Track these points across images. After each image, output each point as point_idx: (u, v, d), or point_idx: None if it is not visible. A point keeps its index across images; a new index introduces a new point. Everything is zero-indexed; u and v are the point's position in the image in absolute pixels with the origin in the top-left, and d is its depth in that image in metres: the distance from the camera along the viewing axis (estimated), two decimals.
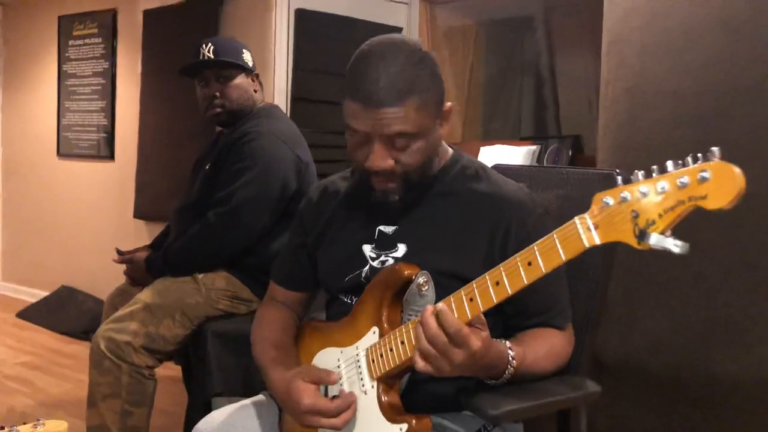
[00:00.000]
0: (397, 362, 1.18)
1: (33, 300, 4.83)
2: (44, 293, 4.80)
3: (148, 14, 4.05)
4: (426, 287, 1.20)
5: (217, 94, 2.28)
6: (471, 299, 1.09)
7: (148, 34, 4.06)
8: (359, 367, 1.25)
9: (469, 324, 1.10)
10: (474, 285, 1.09)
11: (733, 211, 0.84)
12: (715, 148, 0.84)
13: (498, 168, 1.50)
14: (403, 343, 1.18)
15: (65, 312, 4.47)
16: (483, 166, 1.39)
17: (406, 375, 1.23)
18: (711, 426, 1.95)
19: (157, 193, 3.98)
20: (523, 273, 1.03)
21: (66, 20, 4.75)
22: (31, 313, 4.60)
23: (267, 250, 2.22)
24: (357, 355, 1.27)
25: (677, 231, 0.88)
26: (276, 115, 2.39)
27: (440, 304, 1.11)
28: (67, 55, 4.76)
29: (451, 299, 1.12)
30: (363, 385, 1.24)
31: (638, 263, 2.05)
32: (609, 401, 2.12)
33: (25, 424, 1.31)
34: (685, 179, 0.85)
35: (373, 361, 1.23)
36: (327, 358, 1.34)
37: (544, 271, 1.01)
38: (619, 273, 2.02)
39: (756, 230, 1.85)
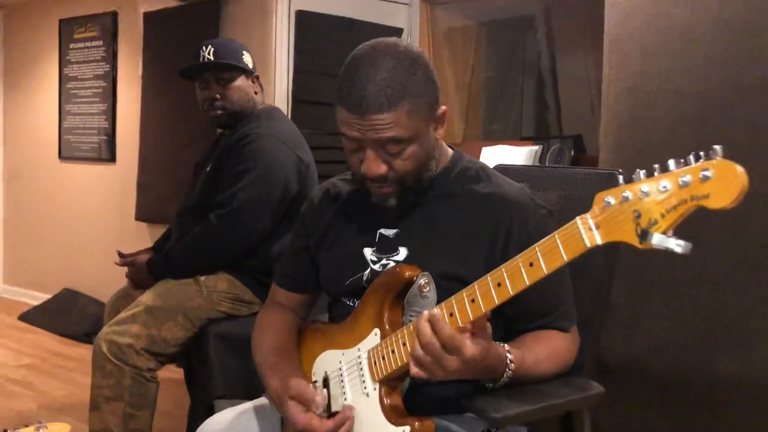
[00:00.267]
0: (399, 364, 1.17)
1: (35, 303, 4.83)
2: (46, 296, 4.81)
3: (148, 16, 4.05)
4: (427, 288, 1.20)
5: (218, 96, 2.27)
6: (473, 300, 1.09)
7: (149, 36, 4.06)
8: (361, 369, 1.25)
9: (469, 330, 1.09)
10: (476, 286, 1.09)
11: (735, 211, 0.84)
12: (717, 147, 0.83)
13: (500, 168, 1.50)
14: (404, 344, 1.17)
15: (67, 315, 4.47)
16: (484, 167, 1.39)
17: (409, 377, 1.23)
18: (714, 426, 1.95)
19: (159, 196, 3.98)
20: (524, 274, 1.02)
21: (67, 23, 4.75)
22: (33, 316, 4.60)
23: (268, 251, 2.22)
24: (359, 357, 1.26)
25: (679, 231, 0.88)
26: (276, 117, 2.39)
27: (435, 310, 1.10)
28: (68, 58, 4.77)
29: (453, 300, 1.12)
30: (365, 387, 1.24)
31: (641, 264, 2.05)
32: (612, 402, 2.12)
33: (27, 426, 1.31)
34: (688, 178, 0.84)
35: (375, 363, 1.22)
36: (329, 359, 1.34)
37: (545, 271, 1.01)
38: (622, 274, 2.02)
39: (758, 230, 1.85)
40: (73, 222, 4.80)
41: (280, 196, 2.20)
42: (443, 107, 1.29)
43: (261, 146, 2.20)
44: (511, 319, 1.29)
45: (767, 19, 1.83)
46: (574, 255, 0.98)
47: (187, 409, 2.32)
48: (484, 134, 4.29)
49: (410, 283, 1.21)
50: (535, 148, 3.26)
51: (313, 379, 1.35)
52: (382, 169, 1.24)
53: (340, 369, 1.30)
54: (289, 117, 2.96)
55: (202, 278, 2.21)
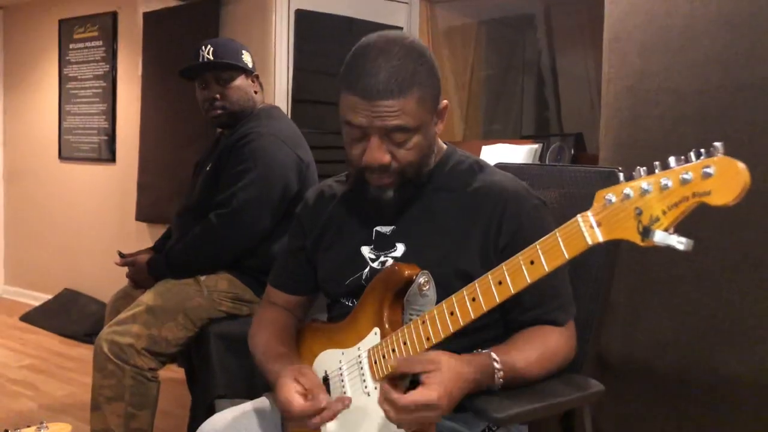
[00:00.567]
0: None
1: (36, 303, 4.84)
2: (47, 296, 4.81)
3: (148, 16, 4.05)
4: (427, 287, 1.20)
5: (218, 96, 2.27)
6: (473, 299, 1.09)
7: (149, 36, 4.06)
8: (361, 368, 1.25)
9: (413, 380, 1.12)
10: (476, 284, 1.09)
11: (736, 209, 0.83)
12: (718, 143, 0.83)
13: (500, 167, 1.50)
14: (405, 343, 1.17)
15: (68, 315, 4.47)
16: (477, 160, 1.39)
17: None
18: (715, 424, 1.95)
19: (159, 196, 3.98)
20: (525, 271, 1.03)
21: (66, 24, 4.75)
22: (34, 317, 4.60)
23: (269, 251, 2.22)
24: (359, 356, 1.26)
25: (680, 228, 0.88)
26: (276, 116, 2.39)
27: (385, 385, 1.12)
28: (67, 58, 4.77)
29: (453, 299, 1.12)
30: (365, 387, 1.24)
31: (642, 262, 2.05)
32: (613, 400, 2.12)
33: (28, 427, 1.31)
34: (689, 175, 0.84)
35: (376, 362, 1.22)
36: (328, 359, 1.33)
37: (547, 269, 1.01)
38: (623, 272, 2.02)
39: (759, 228, 1.85)
40: (73, 222, 4.80)
41: (280, 196, 2.20)
42: (444, 101, 1.30)
43: (261, 146, 2.20)
44: (505, 310, 1.28)
45: (767, 17, 1.83)
46: (575, 253, 0.98)
47: (188, 409, 2.32)
48: (484, 133, 4.29)
49: (410, 281, 1.21)
50: (535, 146, 3.26)
51: None
52: (386, 158, 1.23)
53: (340, 368, 1.30)
54: (289, 116, 2.95)
55: (203, 278, 2.21)
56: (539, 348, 1.24)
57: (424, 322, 1.16)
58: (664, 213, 0.86)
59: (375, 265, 1.33)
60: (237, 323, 2.22)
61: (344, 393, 1.27)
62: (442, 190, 1.34)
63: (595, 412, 1.44)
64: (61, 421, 1.37)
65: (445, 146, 1.40)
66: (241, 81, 2.30)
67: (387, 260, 1.32)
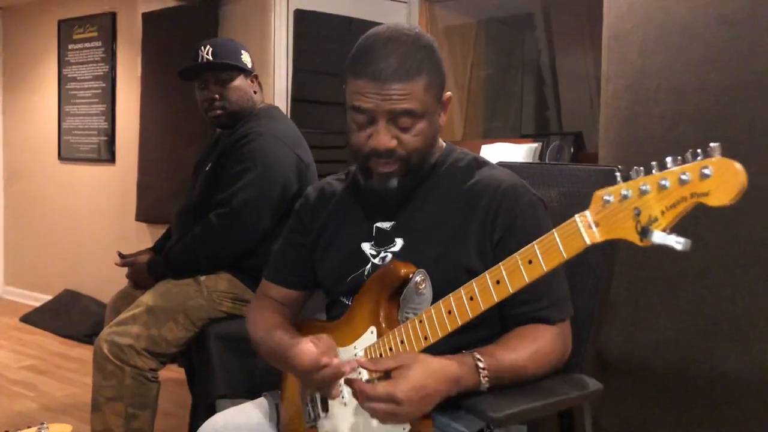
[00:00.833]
0: None
1: (36, 304, 4.84)
2: (47, 297, 4.81)
3: (147, 17, 4.05)
4: (423, 286, 1.20)
5: (217, 96, 2.27)
6: (471, 298, 1.09)
7: (148, 36, 4.06)
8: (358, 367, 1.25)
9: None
10: (474, 284, 1.09)
11: (734, 207, 0.84)
12: (714, 144, 0.83)
13: (500, 165, 1.50)
14: (402, 342, 1.18)
15: (68, 316, 4.47)
16: (476, 157, 1.40)
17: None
18: (715, 422, 1.95)
19: (159, 196, 3.98)
20: (524, 271, 1.03)
21: (66, 24, 4.75)
22: (34, 317, 4.60)
23: (269, 251, 2.18)
24: (355, 355, 1.26)
25: (679, 227, 0.88)
26: (276, 116, 2.39)
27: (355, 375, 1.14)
28: (67, 59, 4.77)
29: (451, 298, 1.12)
30: None
31: (641, 260, 2.05)
32: (613, 399, 2.12)
33: (29, 428, 1.31)
34: (687, 176, 0.84)
35: None
36: None
37: (545, 269, 1.01)
38: (622, 270, 2.02)
39: (758, 226, 1.85)
40: (73, 223, 4.80)
41: (280, 196, 2.20)
42: (448, 93, 1.32)
43: (260, 145, 2.20)
44: (498, 305, 1.28)
45: (766, 15, 1.83)
46: (573, 253, 0.98)
47: (189, 409, 2.32)
48: (484, 132, 4.29)
49: (406, 280, 1.21)
50: (535, 145, 3.26)
51: None
52: (392, 142, 1.25)
53: None
54: (288, 116, 2.96)
55: (203, 278, 2.21)
56: (529, 347, 1.23)
57: (421, 321, 1.16)
58: (663, 213, 0.87)
59: (376, 261, 1.33)
60: (237, 323, 2.22)
61: (340, 392, 1.27)
62: (441, 186, 1.34)
63: (594, 411, 1.44)
64: (61, 422, 1.37)
65: (444, 144, 1.41)
66: (240, 81, 2.30)
67: (387, 256, 1.32)
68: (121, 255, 2.40)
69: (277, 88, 3.40)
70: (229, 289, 2.22)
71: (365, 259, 1.35)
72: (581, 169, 1.58)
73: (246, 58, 2.34)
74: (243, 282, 2.24)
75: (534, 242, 1.02)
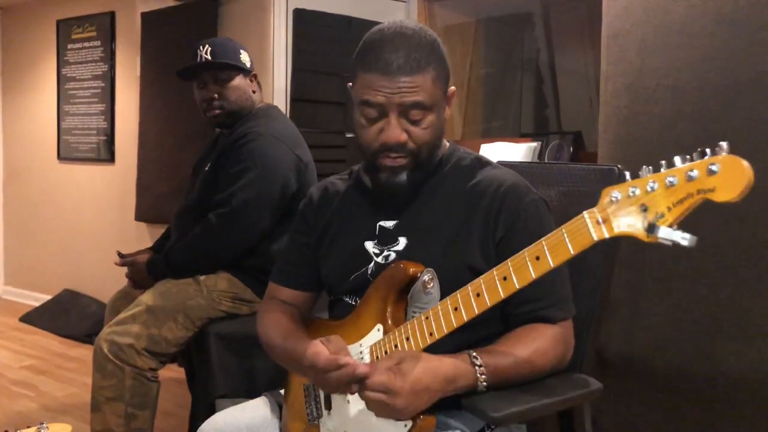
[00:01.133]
0: None
1: (36, 304, 4.83)
2: (47, 297, 4.81)
3: (146, 16, 4.04)
4: (431, 284, 1.21)
5: (216, 95, 2.27)
6: (478, 294, 1.10)
7: (147, 36, 4.06)
8: None
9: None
10: (481, 280, 1.10)
11: (735, 207, 0.84)
12: (723, 143, 0.84)
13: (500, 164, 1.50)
14: (408, 339, 1.18)
15: (68, 316, 4.47)
16: (479, 157, 1.41)
17: None
18: (716, 421, 1.95)
19: (158, 196, 3.98)
20: (531, 267, 1.03)
21: (65, 24, 4.75)
22: (34, 317, 4.60)
23: (268, 250, 2.22)
24: (361, 353, 1.26)
25: (680, 226, 0.88)
26: (275, 116, 2.39)
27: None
28: (66, 58, 4.76)
29: (458, 295, 1.12)
30: None
31: (641, 260, 2.05)
32: (613, 399, 2.12)
33: (29, 427, 1.31)
34: (695, 172, 0.86)
35: (378, 358, 1.22)
36: None
37: (552, 265, 1.02)
38: (622, 270, 2.02)
39: (758, 225, 1.85)
40: (72, 223, 4.80)
41: (279, 195, 2.20)
42: (452, 87, 1.34)
43: (260, 145, 2.20)
44: (502, 304, 1.28)
45: (765, 14, 1.83)
46: (581, 249, 0.99)
47: (189, 409, 2.32)
48: (483, 131, 4.29)
49: (414, 279, 1.21)
50: (535, 144, 3.26)
51: None
52: (403, 136, 1.26)
53: None
54: (288, 116, 2.95)
55: (202, 278, 2.21)
56: (530, 346, 1.22)
57: (427, 318, 1.16)
58: (669, 209, 0.88)
59: (379, 259, 1.33)
60: (237, 323, 2.22)
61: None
62: (444, 185, 1.35)
63: (594, 411, 1.44)
64: (61, 422, 1.37)
65: (447, 143, 1.41)
66: (239, 81, 2.30)
67: (390, 254, 1.32)
68: (120, 254, 2.40)
69: (277, 87, 3.40)
70: (229, 288, 2.22)
71: (368, 257, 1.35)
72: (580, 169, 1.58)
73: (245, 57, 2.34)
74: (242, 281, 2.24)
75: (542, 239, 1.02)
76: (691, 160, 0.87)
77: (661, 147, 2.00)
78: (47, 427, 1.29)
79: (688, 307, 1.98)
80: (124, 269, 2.38)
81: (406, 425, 1.16)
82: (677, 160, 0.88)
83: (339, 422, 1.29)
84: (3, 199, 5.36)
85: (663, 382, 2.04)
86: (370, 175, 1.35)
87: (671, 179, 0.87)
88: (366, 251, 1.35)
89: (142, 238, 4.06)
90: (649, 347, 2.06)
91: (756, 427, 1.88)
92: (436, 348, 1.17)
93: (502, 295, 1.07)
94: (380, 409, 1.13)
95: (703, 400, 1.97)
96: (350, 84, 1.33)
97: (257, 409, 1.43)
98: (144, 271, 2.29)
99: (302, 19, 3.44)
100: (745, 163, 0.82)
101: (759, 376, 1.86)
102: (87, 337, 4.10)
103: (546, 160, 3.30)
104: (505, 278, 1.06)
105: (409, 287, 1.23)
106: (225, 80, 2.28)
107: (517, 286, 1.05)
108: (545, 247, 1.02)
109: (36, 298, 4.96)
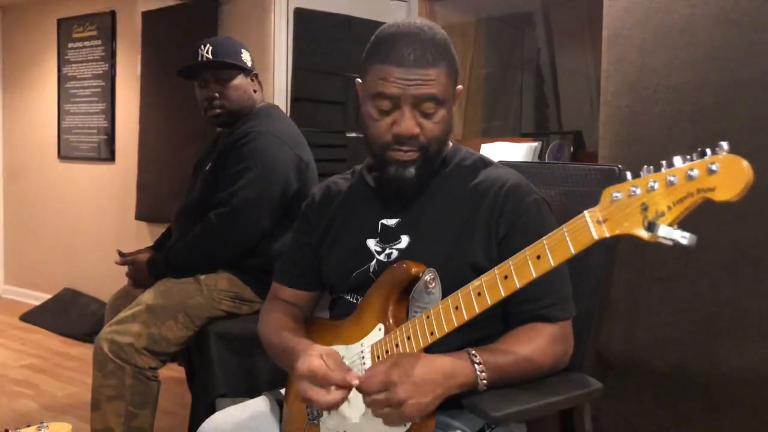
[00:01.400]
0: None
1: (36, 303, 4.84)
2: (47, 296, 4.81)
3: (146, 15, 4.05)
4: (433, 284, 1.21)
5: (217, 95, 2.27)
6: (479, 294, 1.10)
7: (147, 35, 4.06)
8: (364, 364, 1.25)
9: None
10: (482, 279, 1.10)
11: (735, 206, 0.84)
12: (723, 142, 0.85)
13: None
14: (409, 338, 1.18)
15: (68, 314, 4.47)
16: (482, 156, 1.41)
17: None
18: (715, 421, 1.95)
19: (159, 195, 3.98)
20: (531, 266, 1.04)
21: (65, 23, 4.75)
22: (34, 316, 4.61)
23: (269, 250, 2.22)
24: (362, 352, 1.26)
25: (680, 226, 0.88)
26: (276, 115, 2.39)
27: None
28: (66, 57, 4.77)
29: (459, 294, 1.12)
30: None
31: (641, 260, 2.05)
32: (613, 398, 2.12)
33: (29, 426, 1.31)
34: (695, 172, 0.86)
35: (378, 357, 1.23)
36: None
37: (552, 264, 1.02)
38: (622, 270, 2.02)
39: (758, 225, 1.85)
40: (73, 222, 4.80)
41: (280, 195, 2.20)
42: (460, 86, 1.34)
43: (260, 145, 2.20)
44: (502, 303, 1.27)
45: (766, 14, 1.83)
46: (581, 248, 0.99)
47: (189, 408, 2.32)
48: (484, 131, 4.29)
49: (416, 279, 1.21)
50: (535, 144, 3.26)
51: None
52: (417, 128, 1.26)
53: None
54: (288, 115, 2.95)
55: (203, 277, 2.21)
56: (529, 345, 1.23)
57: (428, 317, 1.16)
58: (669, 208, 0.88)
59: (381, 257, 1.34)
60: (237, 322, 2.22)
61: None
62: (447, 185, 1.35)
63: (594, 410, 1.44)
64: (61, 421, 1.37)
65: (451, 143, 1.41)
66: (240, 80, 2.30)
67: (392, 252, 1.33)
68: (121, 253, 2.40)
69: (277, 87, 3.40)
70: (229, 288, 2.22)
71: (370, 255, 1.35)
72: (581, 168, 1.58)
73: (246, 56, 2.34)
74: (243, 281, 2.24)
75: (543, 238, 1.02)
76: (691, 159, 0.87)
77: (662, 146, 2.00)
78: (47, 426, 1.29)
79: (688, 307, 1.98)
80: (125, 268, 2.38)
81: (405, 425, 1.16)
82: (677, 159, 0.88)
83: (339, 422, 1.29)
84: (3, 198, 5.37)
85: (663, 382, 2.04)
86: (376, 171, 1.35)
87: (671, 178, 0.88)
88: (368, 249, 1.35)
89: (142, 237, 4.06)
90: (649, 347, 2.06)
91: (756, 427, 1.88)
92: (437, 347, 1.17)
93: (503, 294, 1.07)
94: (387, 414, 1.12)
95: (703, 400, 1.97)
96: (358, 80, 1.33)
97: (257, 409, 1.44)
98: (144, 270, 2.29)
99: (303, 19, 3.44)
100: (745, 163, 0.83)
101: (759, 375, 1.86)
102: (87, 336, 4.10)
103: (546, 160, 3.30)
104: (506, 277, 1.07)
105: (411, 287, 1.23)
106: (226, 79, 2.28)
107: (518, 285, 1.05)
108: (546, 246, 1.02)
109: (36, 297, 4.96)
